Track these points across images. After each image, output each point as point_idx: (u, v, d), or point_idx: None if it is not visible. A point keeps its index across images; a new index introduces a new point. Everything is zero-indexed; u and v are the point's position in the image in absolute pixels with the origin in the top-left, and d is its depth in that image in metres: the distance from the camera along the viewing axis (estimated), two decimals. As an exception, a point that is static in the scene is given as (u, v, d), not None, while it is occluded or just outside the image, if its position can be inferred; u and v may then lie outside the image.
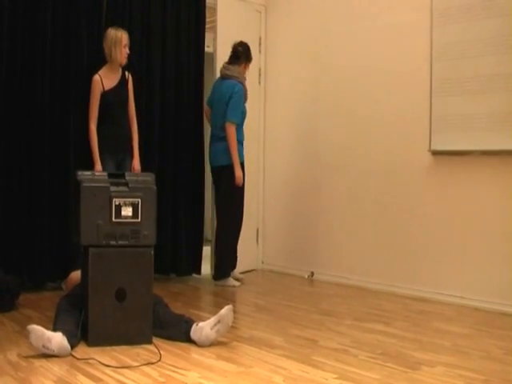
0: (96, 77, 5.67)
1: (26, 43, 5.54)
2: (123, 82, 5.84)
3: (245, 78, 6.29)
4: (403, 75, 5.95)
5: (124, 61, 5.76)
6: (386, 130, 6.09)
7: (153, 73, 6.32)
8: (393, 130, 6.03)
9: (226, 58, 6.30)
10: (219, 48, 6.65)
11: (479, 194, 5.36)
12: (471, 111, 5.36)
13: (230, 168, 6.08)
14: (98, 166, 5.59)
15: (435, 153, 5.64)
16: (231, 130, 6.07)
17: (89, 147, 5.64)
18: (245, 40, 6.35)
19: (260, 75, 7.22)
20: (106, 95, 5.69)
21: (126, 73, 5.88)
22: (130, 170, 5.78)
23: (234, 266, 6.32)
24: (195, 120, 6.60)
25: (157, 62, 6.35)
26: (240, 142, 6.19)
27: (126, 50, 5.76)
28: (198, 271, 6.65)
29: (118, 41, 5.67)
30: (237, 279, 6.30)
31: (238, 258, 6.35)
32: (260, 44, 7.26)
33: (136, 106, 5.96)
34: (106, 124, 5.71)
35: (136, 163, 5.87)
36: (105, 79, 5.71)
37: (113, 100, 5.73)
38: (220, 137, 6.17)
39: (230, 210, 6.21)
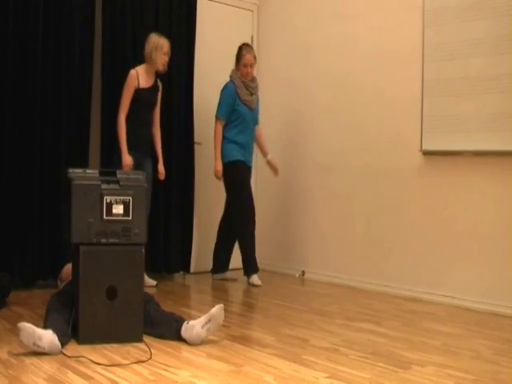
0: (133, 71, 5.78)
1: (18, 43, 5.53)
2: (156, 86, 6.00)
3: (240, 78, 6.29)
4: (394, 75, 5.96)
5: (161, 67, 5.91)
6: (377, 130, 6.10)
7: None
8: (384, 130, 6.04)
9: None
10: (209, 46, 6.64)
11: (470, 194, 5.37)
12: (462, 112, 5.37)
13: (224, 166, 6.26)
14: (127, 157, 5.70)
15: (426, 153, 5.65)
16: (215, 126, 6.28)
17: (115, 141, 5.76)
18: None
19: (252, 74, 7.22)
20: (138, 92, 5.79)
21: (159, 82, 6.04)
22: (150, 172, 5.92)
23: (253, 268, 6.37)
24: (186, 120, 6.59)
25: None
26: (235, 142, 6.26)
27: (166, 58, 5.91)
28: (188, 269, 6.65)
29: (160, 47, 5.84)
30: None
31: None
32: (252, 43, 7.25)
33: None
34: (132, 121, 5.79)
35: (161, 167, 6.11)
36: (141, 77, 5.83)
37: (144, 99, 5.85)
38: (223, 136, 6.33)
39: (231, 207, 6.39)
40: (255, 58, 6.33)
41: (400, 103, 5.91)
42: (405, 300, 5.61)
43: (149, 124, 5.99)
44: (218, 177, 6.26)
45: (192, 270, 6.71)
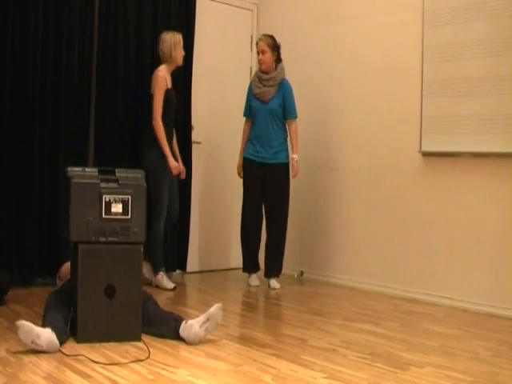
0: (162, 73, 5.85)
1: (17, 41, 5.51)
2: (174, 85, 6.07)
3: (257, 72, 6.25)
4: (394, 76, 5.96)
5: (181, 62, 6.00)
6: (376, 131, 6.10)
7: (143, 72, 6.29)
8: (383, 130, 6.04)
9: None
10: (208, 46, 6.63)
11: (469, 196, 5.37)
12: (461, 113, 5.37)
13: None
14: (172, 160, 5.81)
15: (425, 154, 5.65)
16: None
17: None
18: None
19: (251, 73, 7.19)
20: (168, 93, 5.87)
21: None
22: (171, 171, 5.89)
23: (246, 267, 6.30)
24: (184, 120, 6.58)
25: (147, 61, 6.31)
26: (248, 139, 6.19)
27: (183, 52, 6.00)
28: (184, 267, 6.64)
29: (177, 42, 5.91)
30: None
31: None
32: (252, 42, 7.26)
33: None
34: (166, 125, 5.84)
35: (181, 164, 6.12)
36: (167, 78, 5.90)
37: (172, 100, 5.94)
38: None
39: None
40: (269, 45, 6.10)
41: (399, 104, 5.91)
42: (403, 301, 5.61)
43: (172, 124, 6.06)
44: (238, 173, 6.29)
45: (189, 269, 6.70)
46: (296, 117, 6.13)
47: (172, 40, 5.88)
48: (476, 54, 5.28)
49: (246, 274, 6.28)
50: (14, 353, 3.63)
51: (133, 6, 6.22)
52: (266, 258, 6.21)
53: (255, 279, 6.21)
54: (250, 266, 6.23)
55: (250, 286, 6.16)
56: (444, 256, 5.53)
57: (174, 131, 6.12)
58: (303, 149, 6.74)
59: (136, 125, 6.21)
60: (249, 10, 7.34)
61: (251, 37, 7.29)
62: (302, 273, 6.77)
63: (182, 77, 6.54)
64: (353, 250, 6.29)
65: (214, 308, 3.99)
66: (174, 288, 5.84)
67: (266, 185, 6.08)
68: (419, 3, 5.68)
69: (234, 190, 6.82)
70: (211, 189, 6.99)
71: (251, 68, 7.22)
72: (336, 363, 3.66)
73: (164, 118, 5.81)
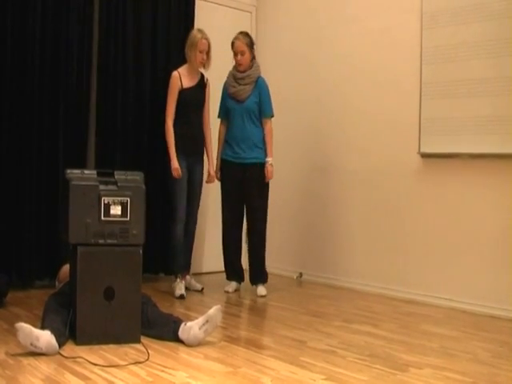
0: (175, 73, 5.75)
1: (15, 44, 5.51)
2: (201, 84, 5.90)
3: (232, 71, 6.00)
4: (393, 78, 5.97)
5: (199, 66, 5.80)
6: (375, 132, 6.10)
7: (142, 73, 6.30)
8: (382, 132, 6.04)
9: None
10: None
11: (468, 197, 5.38)
12: (460, 114, 5.37)
13: None
14: (175, 162, 5.61)
15: (424, 155, 5.66)
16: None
17: (164, 145, 5.71)
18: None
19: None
20: (183, 93, 5.72)
21: (205, 77, 5.96)
22: (200, 177, 5.86)
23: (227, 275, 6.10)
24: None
25: (147, 63, 6.32)
26: (225, 140, 5.96)
27: (203, 56, 5.76)
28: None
29: (194, 44, 5.72)
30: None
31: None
32: (251, 44, 7.28)
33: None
34: (181, 124, 5.73)
35: (211, 169, 5.95)
36: (183, 77, 5.75)
37: (190, 99, 5.76)
38: None
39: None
40: (247, 44, 5.87)
41: (398, 106, 5.92)
42: (402, 302, 5.61)
43: (198, 125, 5.88)
44: (216, 178, 6.02)
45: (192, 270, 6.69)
46: (272, 116, 5.97)
47: (191, 39, 5.76)
48: (474, 56, 5.28)
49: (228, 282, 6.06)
50: (13, 355, 3.63)
51: (132, 7, 6.22)
52: (250, 264, 6.00)
53: (234, 285, 6.01)
54: (232, 274, 6.04)
55: (227, 292, 5.94)
56: (443, 257, 5.53)
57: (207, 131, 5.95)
58: (302, 151, 6.77)
59: (136, 127, 6.22)
60: (248, 12, 7.35)
61: (250, 39, 7.30)
62: (300, 274, 6.76)
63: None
64: (352, 252, 6.29)
65: (213, 310, 3.99)
66: (181, 297, 5.55)
67: (245, 186, 5.85)
68: (417, 5, 5.69)
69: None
70: (206, 191, 6.92)
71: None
72: (335, 365, 3.66)
73: (180, 117, 5.71)
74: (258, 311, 5.16)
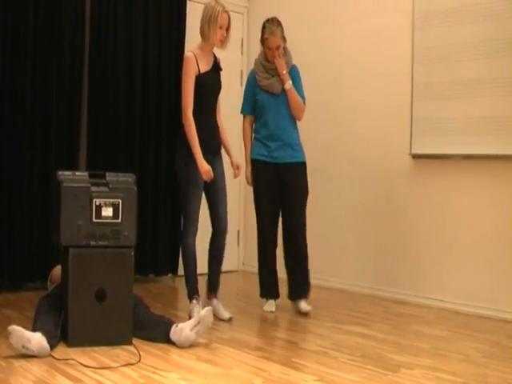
0: (190, 55, 4.73)
1: (7, 46, 5.49)
2: (217, 66, 4.94)
3: (261, 61, 5.25)
4: (384, 79, 5.98)
5: (218, 44, 4.77)
6: (366, 133, 6.11)
7: (134, 73, 6.29)
8: (373, 133, 6.05)
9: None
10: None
11: (460, 198, 5.39)
12: (452, 115, 5.39)
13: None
14: (204, 163, 4.65)
15: (416, 156, 5.67)
16: (242, 125, 5.41)
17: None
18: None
19: (242, 77, 7.19)
20: (201, 79, 4.73)
21: (218, 57, 4.98)
22: (223, 172, 4.94)
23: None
24: (175, 120, 6.57)
25: (138, 62, 6.31)
26: (256, 138, 5.27)
27: (223, 33, 4.76)
28: (176, 271, 6.62)
29: (214, 18, 4.68)
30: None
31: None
32: (242, 45, 7.27)
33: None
34: (199, 115, 4.74)
35: (235, 160, 5.03)
36: (199, 60, 4.75)
37: (208, 85, 4.80)
38: None
39: None
40: (282, 36, 5.19)
41: (389, 106, 5.93)
42: (394, 303, 5.62)
43: (214, 116, 4.94)
44: (248, 182, 5.33)
45: (180, 272, 6.68)
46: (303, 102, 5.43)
47: (209, 13, 4.69)
48: (466, 57, 5.29)
49: (264, 299, 5.33)
50: (5, 357, 3.61)
51: (123, 7, 6.21)
52: (289, 277, 5.23)
53: (273, 304, 5.25)
54: (271, 291, 5.31)
55: (265, 311, 5.19)
56: (434, 258, 5.54)
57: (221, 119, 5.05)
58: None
59: (128, 128, 6.21)
60: (239, 13, 7.34)
61: (242, 40, 7.30)
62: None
63: (174, 78, 6.52)
64: (343, 253, 6.29)
65: (205, 311, 3.99)
66: (230, 319, 4.82)
67: (284, 189, 5.21)
68: (409, 6, 5.70)
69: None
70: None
71: (242, 71, 7.23)
72: (327, 366, 3.67)
73: (203, 111, 4.77)
74: (249, 312, 5.15)
